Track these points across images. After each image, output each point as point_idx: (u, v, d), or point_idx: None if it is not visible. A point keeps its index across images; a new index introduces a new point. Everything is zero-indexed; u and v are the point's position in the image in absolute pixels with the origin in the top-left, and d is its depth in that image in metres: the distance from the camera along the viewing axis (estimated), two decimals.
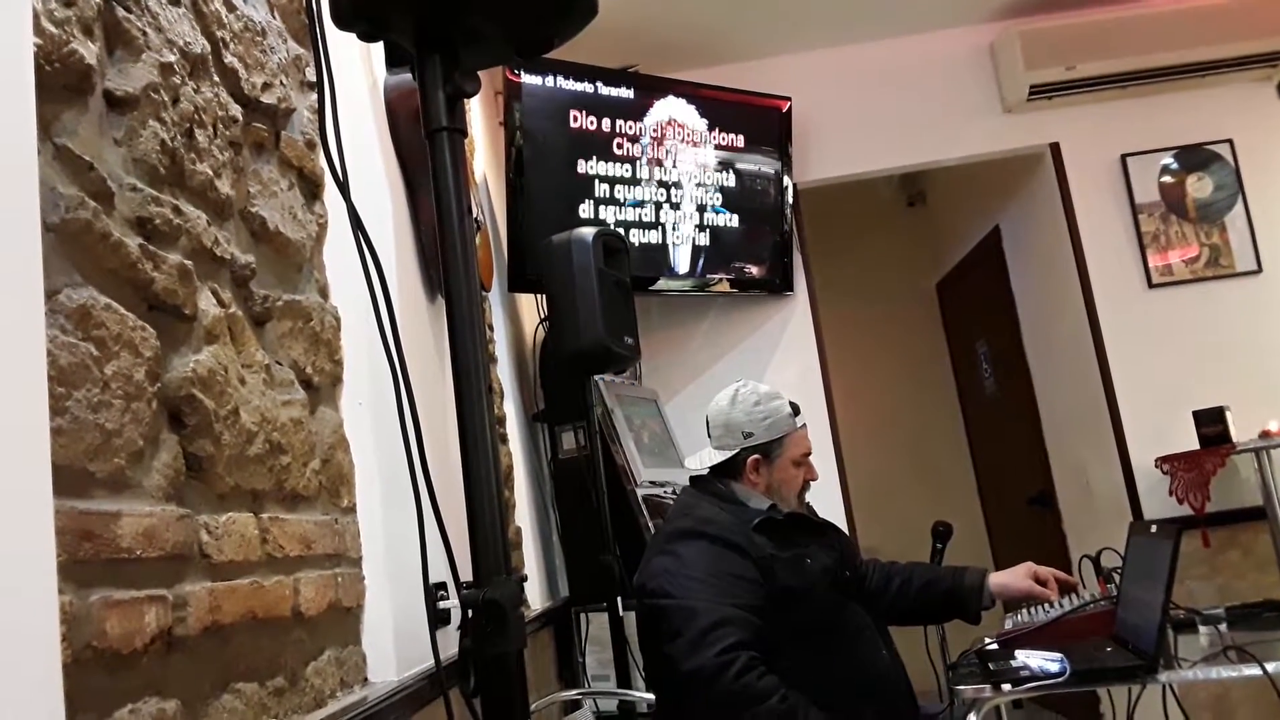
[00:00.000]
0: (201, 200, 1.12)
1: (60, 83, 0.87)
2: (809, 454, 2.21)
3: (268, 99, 1.35)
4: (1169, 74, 3.79)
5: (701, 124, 3.59)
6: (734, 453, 2.16)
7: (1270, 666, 1.69)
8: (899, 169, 4.26)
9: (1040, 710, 4.77)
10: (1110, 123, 3.93)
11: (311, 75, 1.52)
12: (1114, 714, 3.96)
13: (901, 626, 2.28)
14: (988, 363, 5.15)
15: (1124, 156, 3.90)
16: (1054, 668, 1.77)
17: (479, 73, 1.08)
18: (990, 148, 4.00)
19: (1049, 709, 4.71)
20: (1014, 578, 2.25)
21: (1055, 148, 3.96)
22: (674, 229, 3.51)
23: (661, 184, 3.47)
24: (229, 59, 1.25)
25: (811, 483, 2.23)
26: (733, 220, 3.68)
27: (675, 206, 3.51)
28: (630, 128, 3.40)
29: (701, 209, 3.59)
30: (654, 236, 3.46)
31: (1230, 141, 3.89)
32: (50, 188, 0.84)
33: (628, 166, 3.38)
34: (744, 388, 2.21)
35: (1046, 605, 2.20)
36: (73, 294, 0.85)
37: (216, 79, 1.21)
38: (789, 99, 3.82)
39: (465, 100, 1.07)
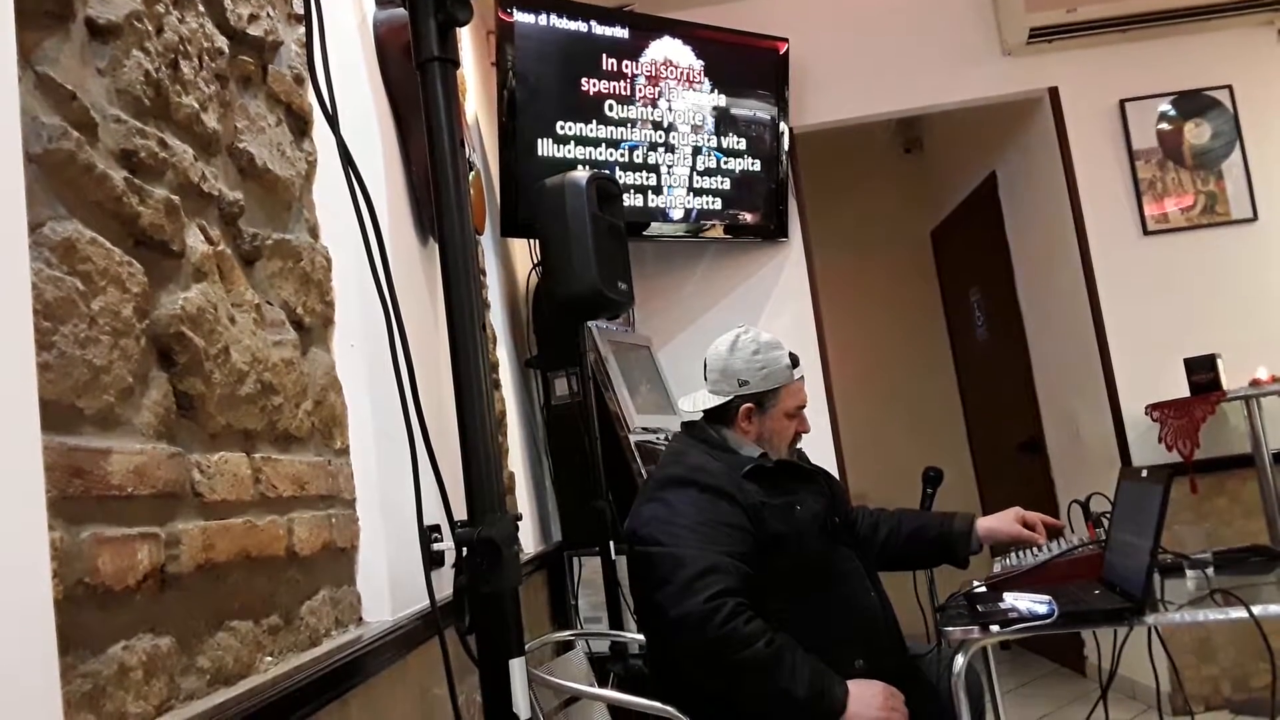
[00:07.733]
0: (188, 134, 1.09)
1: (41, 8, 0.85)
2: (803, 406, 2.21)
3: (254, 31, 1.31)
4: (1170, 17, 3.75)
5: (698, 65, 3.53)
6: (727, 399, 2.16)
7: (1256, 610, 1.71)
8: (897, 113, 4.21)
9: (1026, 653, 4.84)
10: (1109, 67, 3.89)
11: (299, 7, 1.48)
12: (1099, 657, 4.04)
13: (891, 572, 2.30)
14: (981, 310, 5.15)
15: (1122, 102, 3.86)
16: (1042, 609, 1.79)
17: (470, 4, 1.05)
18: (989, 92, 3.95)
19: (1034, 652, 4.79)
20: (1002, 522, 2.27)
21: (1054, 92, 3.92)
22: (668, 172, 3.47)
23: (656, 126, 3.42)
24: None
25: (803, 435, 2.24)
26: (727, 165, 3.63)
27: (669, 149, 3.46)
28: (624, 68, 3.34)
29: (696, 152, 3.55)
30: (648, 180, 3.43)
31: (1229, 88, 3.86)
32: (32, 117, 0.81)
33: (621, 108, 3.33)
34: (745, 334, 2.19)
35: (1034, 549, 2.23)
36: (57, 227, 0.83)
37: (201, 9, 1.17)
38: (786, 40, 3.76)
39: (457, 31, 1.04)
